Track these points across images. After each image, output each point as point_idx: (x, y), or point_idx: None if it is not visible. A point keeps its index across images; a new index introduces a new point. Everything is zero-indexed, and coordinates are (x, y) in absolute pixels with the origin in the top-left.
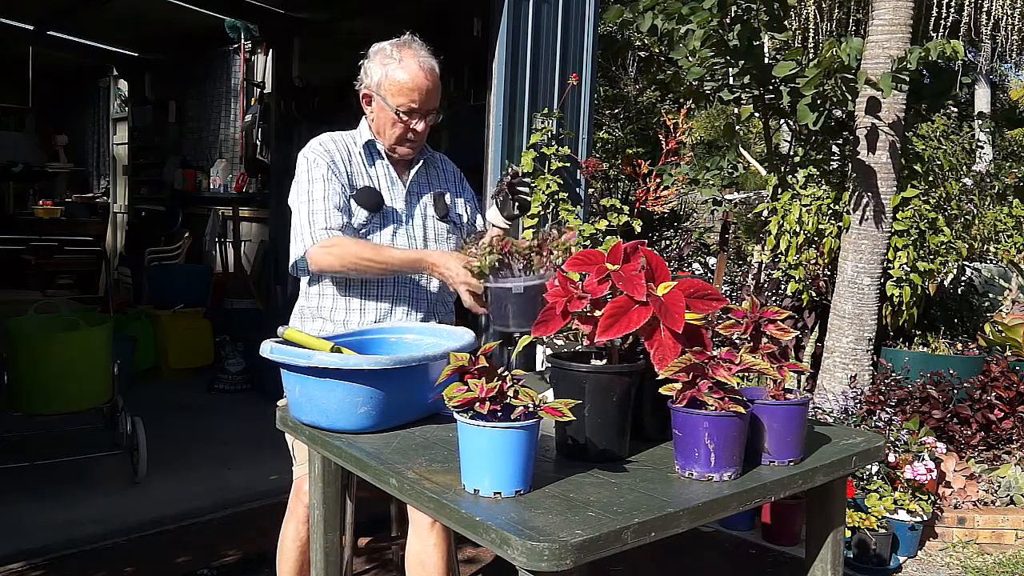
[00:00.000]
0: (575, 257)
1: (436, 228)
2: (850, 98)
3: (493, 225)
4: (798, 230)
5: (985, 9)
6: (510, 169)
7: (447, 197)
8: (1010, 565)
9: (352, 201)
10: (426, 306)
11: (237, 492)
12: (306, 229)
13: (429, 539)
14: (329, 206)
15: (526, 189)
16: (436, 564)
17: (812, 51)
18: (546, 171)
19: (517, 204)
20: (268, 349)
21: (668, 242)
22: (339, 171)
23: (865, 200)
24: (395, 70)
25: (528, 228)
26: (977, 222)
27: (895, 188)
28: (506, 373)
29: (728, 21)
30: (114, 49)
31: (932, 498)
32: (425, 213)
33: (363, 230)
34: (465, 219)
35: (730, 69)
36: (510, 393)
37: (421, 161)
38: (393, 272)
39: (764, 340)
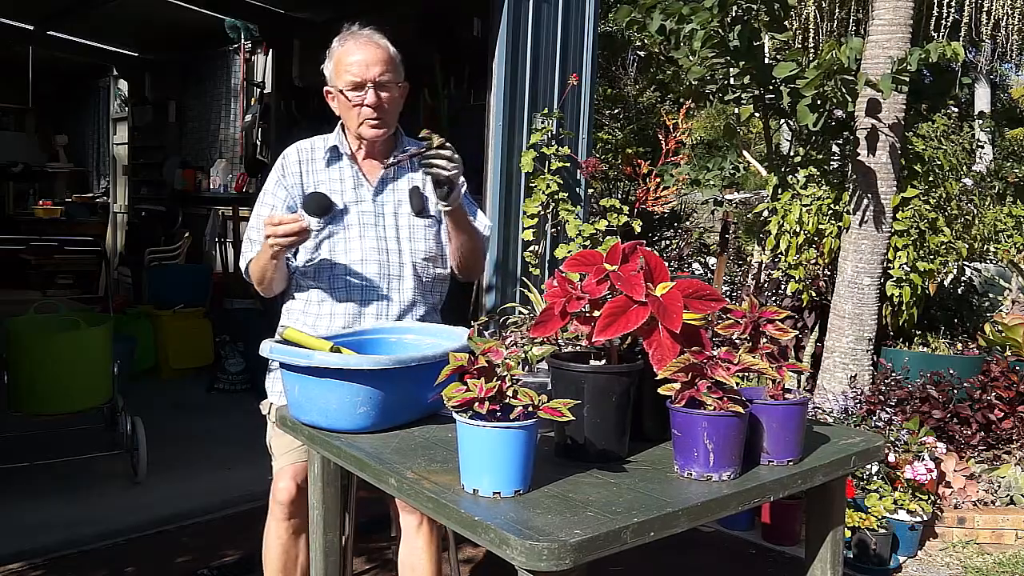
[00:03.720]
0: (574, 258)
1: (412, 225)
2: (850, 99)
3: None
4: (798, 230)
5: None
6: (430, 137)
7: (424, 190)
8: (1010, 565)
9: (300, 209)
10: (398, 308)
11: (237, 492)
12: (245, 245)
13: (416, 543)
14: (262, 223)
15: (442, 163)
16: (425, 568)
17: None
18: (546, 171)
19: (434, 182)
20: (268, 349)
21: (668, 242)
22: (287, 182)
23: (865, 200)
24: (336, 54)
25: (528, 228)
26: (977, 222)
27: (895, 188)
28: (505, 373)
29: (729, 21)
30: (114, 49)
31: (932, 498)
32: (398, 211)
33: (322, 235)
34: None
35: (730, 69)
36: (509, 393)
37: (396, 159)
38: (275, 265)
39: (763, 340)
